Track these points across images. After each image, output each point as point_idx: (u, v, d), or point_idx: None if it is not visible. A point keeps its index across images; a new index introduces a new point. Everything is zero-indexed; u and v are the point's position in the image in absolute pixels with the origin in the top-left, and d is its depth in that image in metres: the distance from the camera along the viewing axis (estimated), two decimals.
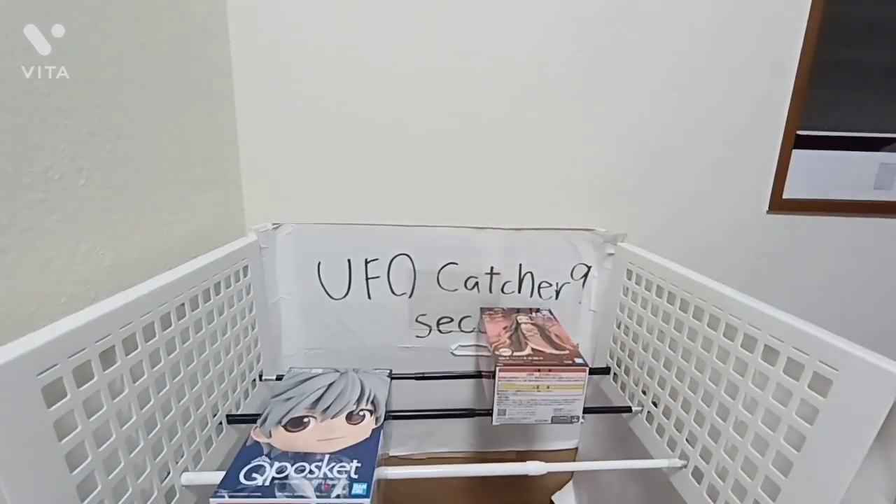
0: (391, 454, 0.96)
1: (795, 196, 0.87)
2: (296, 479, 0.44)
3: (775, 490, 0.44)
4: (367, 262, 0.83)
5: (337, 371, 0.66)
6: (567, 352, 0.67)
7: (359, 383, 0.62)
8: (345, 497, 0.42)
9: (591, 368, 0.64)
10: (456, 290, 0.85)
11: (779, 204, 0.87)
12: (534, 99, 0.79)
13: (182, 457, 0.51)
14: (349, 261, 0.82)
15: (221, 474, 0.44)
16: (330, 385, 0.62)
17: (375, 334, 0.87)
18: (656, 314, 0.66)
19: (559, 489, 1.03)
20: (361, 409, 0.56)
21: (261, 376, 0.73)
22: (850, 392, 0.38)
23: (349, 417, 0.54)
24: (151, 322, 0.46)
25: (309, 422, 0.53)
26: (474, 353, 0.89)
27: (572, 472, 1.03)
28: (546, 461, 0.57)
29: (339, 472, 0.45)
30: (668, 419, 0.62)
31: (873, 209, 0.89)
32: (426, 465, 0.57)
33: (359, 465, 0.46)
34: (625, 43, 0.77)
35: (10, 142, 0.38)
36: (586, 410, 0.65)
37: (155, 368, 0.46)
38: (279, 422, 0.53)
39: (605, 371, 0.82)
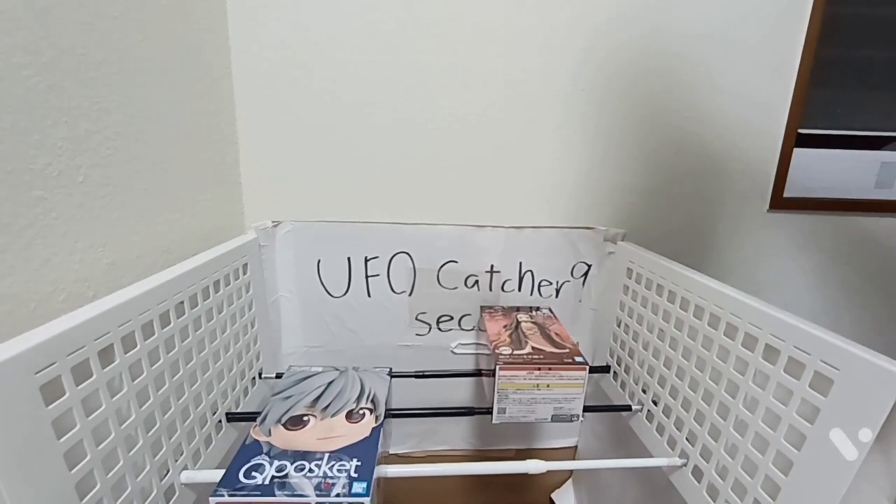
0: (391, 452, 0.96)
1: (796, 195, 0.87)
2: (295, 478, 0.44)
3: (775, 489, 0.44)
4: (366, 260, 0.83)
5: (336, 369, 0.66)
6: (567, 350, 0.67)
7: (358, 382, 0.62)
8: (344, 496, 0.42)
9: (591, 367, 0.64)
10: (456, 288, 0.85)
11: (779, 202, 0.87)
12: (535, 98, 0.78)
13: (181, 455, 0.51)
14: (349, 259, 0.82)
15: (221, 472, 0.44)
16: (330, 383, 0.62)
17: (375, 332, 0.87)
18: (656, 313, 0.66)
19: (559, 487, 1.03)
20: (361, 408, 0.56)
21: (260, 374, 0.73)
22: (851, 391, 0.38)
23: (349, 416, 0.54)
24: (150, 320, 0.45)
25: (309, 420, 0.53)
26: (474, 352, 0.89)
27: (572, 471, 1.03)
28: (546, 459, 0.57)
29: (338, 470, 0.45)
30: (668, 418, 0.62)
31: (874, 208, 0.89)
32: (426, 464, 0.57)
33: (359, 463, 0.46)
34: (625, 42, 0.77)
35: (10, 140, 0.38)
36: (586, 409, 0.65)
37: (154, 366, 0.46)
38: (279, 420, 0.53)
39: (605, 369, 0.82)
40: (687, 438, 0.58)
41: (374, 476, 0.45)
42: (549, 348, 0.67)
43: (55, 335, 0.34)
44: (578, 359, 0.64)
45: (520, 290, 0.86)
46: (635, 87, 0.79)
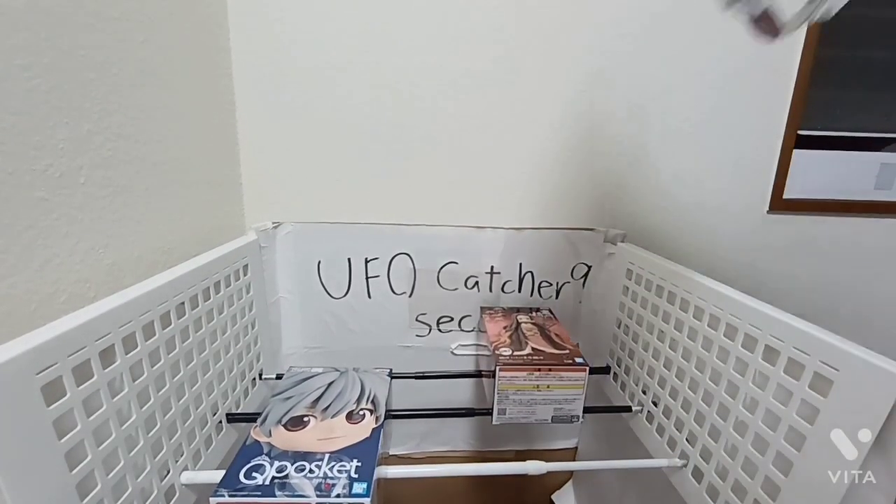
0: (391, 453, 0.96)
1: (796, 196, 0.87)
2: (296, 479, 0.44)
3: (775, 490, 0.44)
4: (367, 262, 0.83)
5: (337, 370, 0.66)
6: (567, 351, 0.67)
7: (359, 382, 0.62)
8: (345, 496, 0.42)
9: (591, 368, 0.64)
10: (456, 289, 0.85)
11: (779, 204, 0.87)
12: (535, 99, 0.78)
13: (182, 456, 0.51)
14: (349, 260, 0.82)
15: (221, 473, 0.45)
16: (330, 384, 0.62)
17: (375, 333, 0.87)
18: (656, 314, 0.66)
19: (559, 488, 1.03)
20: (361, 409, 0.56)
21: (261, 375, 0.73)
22: (851, 392, 0.38)
23: (349, 416, 0.54)
24: (151, 321, 0.46)
25: (309, 421, 0.53)
26: (474, 353, 0.89)
27: (572, 472, 1.03)
28: (546, 460, 0.57)
29: (339, 471, 0.45)
30: (667, 419, 0.62)
31: (874, 209, 0.89)
32: (426, 465, 0.57)
33: (359, 464, 0.46)
34: (625, 44, 0.77)
35: (11, 141, 0.38)
36: (586, 410, 0.65)
37: (155, 367, 0.46)
38: (279, 421, 0.53)
39: (605, 370, 0.82)
40: (687, 439, 0.58)
41: (375, 477, 0.45)
42: (549, 349, 0.67)
43: (56, 336, 0.35)
44: (578, 360, 0.64)
45: (520, 291, 0.86)
46: (635, 88, 0.79)
